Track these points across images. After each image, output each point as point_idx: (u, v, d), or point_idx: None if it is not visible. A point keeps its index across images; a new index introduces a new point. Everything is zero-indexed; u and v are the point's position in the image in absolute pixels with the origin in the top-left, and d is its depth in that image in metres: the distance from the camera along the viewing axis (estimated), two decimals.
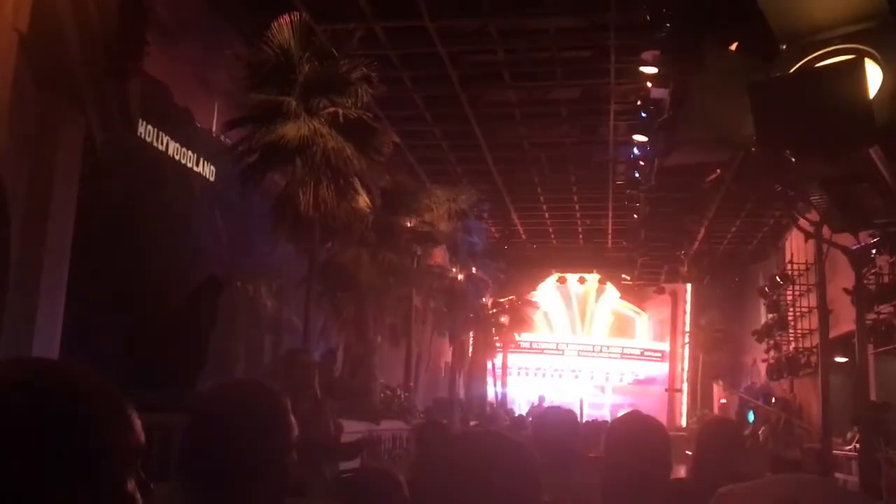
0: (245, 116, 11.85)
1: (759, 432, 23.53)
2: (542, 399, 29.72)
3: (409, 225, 14.73)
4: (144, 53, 9.03)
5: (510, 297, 32.63)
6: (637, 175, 22.06)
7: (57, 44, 7.98)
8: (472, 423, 19.28)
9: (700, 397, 33.99)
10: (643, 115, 17.85)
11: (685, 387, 36.28)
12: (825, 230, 10.39)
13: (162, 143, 14.68)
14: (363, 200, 12.37)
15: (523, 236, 33.82)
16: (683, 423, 34.93)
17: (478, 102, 21.53)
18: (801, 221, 11.63)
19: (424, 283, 18.08)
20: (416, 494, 2.97)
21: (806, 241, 15.44)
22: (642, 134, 18.85)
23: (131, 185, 13.71)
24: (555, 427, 3.84)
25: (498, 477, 1.79)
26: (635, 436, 2.75)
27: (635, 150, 20.76)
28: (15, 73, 7.59)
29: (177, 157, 15.13)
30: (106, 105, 9.18)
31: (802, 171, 4.28)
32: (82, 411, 1.03)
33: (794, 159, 4.02)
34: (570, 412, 4.55)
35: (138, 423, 1.10)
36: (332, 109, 11.47)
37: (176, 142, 15.07)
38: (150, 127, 14.28)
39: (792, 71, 3.95)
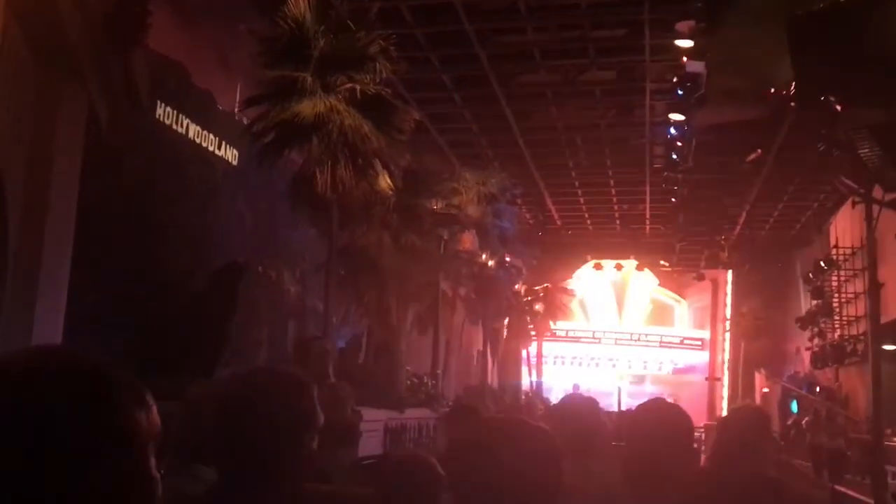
0: (261, 94, 11.41)
1: (803, 422, 22.77)
2: (576, 388, 29.10)
3: (435, 208, 14.20)
4: (148, 25, 8.64)
5: (545, 285, 31.98)
6: (674, 156, 21.36)
7: (53, 15, 7.62)
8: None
9: (741, 387, 33.18)
10: (679, 92, 17.16)
11: (726, 376, 35.43)
12: (876, 192, 9.50)
13: (181, 126, 14.35)
14: (384, 181, 11.90)
15: (558, 222, 33.13)
16: (724, 412, 34.08)
17: (508, 83, 20.93)
18: (846, 183, 10.74)
19: (452, 268, 17.56)
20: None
21: (853, 206, 14.36)
22: (679, 112, 18.14)
23: (149, 168, 13.40)
24: (574, 414, 3.72)
25: (520, 461, 1.79)
26: (657, 423, 2.72)
27: (672, 131, 20.04)
28: (6, 45, 7.23)
29: (197, 140, 14.80)
30: (109, 80, 8.81)
31: (849, 119, 3.69)
32: (105, 395, 1.06)
33: (838, 106, 3.44)
34: (591, 399, 4.42)
35: (155, 408, 1.12)
36: (349, 86, 10.99)
37: (196, 124, 14.73)
38: (168, 109, 13.95)
39: (837, 1, 3.36)
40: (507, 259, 28.30)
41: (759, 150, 18.86)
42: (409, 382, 14.79)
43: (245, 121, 15.36)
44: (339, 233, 12.44)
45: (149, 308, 12.79)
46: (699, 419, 24.15)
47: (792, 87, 3.46)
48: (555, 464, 1.87)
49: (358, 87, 10.93)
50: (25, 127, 7.91)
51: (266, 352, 13.74)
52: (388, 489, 2.84)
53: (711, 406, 35.01)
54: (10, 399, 1.01)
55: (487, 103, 21.78)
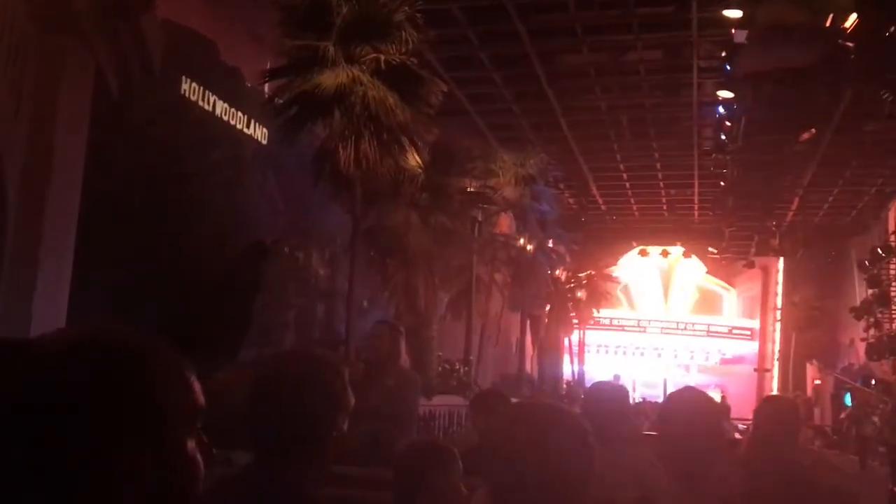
0: (282, 66, 10.93)
1: (847, 415, 21.88)
2: (616, 378, 28.40)
3: (469, 189, 13.57)
4: None
5: (589, 272, 31.16)
6: (723, 137, 20.46)
7: None
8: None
9: (792, 378, 32.15)
10: (728, 67, 16.33)
11: (776, 367, 34.34)
12: None
13: (208, 103, 13.98)
14: (411, 157, 11.36)
15: (603, 207, 32.27)
16: None
17: (550, 62, 20.21)
18: None
19: (487, 252, 16.96)
20: (472, 462, 3.01)
21: None
22: (728, 90, 17.29)
23: (174, 145, 13.06)
24: (602, 401, 3.81)
25: (552, 445, 1.79)
26: (686, 411, 2.72)
27: (721, 110, 19.18)
28: (6, 12, 6.84)
29: (225, 118, 14.42)
30: (119, 48, 8.39)
31: None
32: (144, 370, 1.04)
33: None
34: (621, 388, 4.70)
35: (197, 385, 1.09)
36: (373, 56, 10.43)
37: (224, 101, 14.35)
38: (194, 84, 13.59)
39: None
40: (551, 244, 27.67)
41: (814, 129, 17.92)
42: (440, 369, 14.27)
43: (278, 100, 14.97)
44: (366, 212, 11.95)
45: (172, 288, 12.48)
46: (748, 411, 23.20)
47: (851, 20, 2.86)
48: (587, 449, 1.84)
49: (382, 57, 10.37)
50: (26, 98, 7.52)
51: (293, 334, 13.33)
52: (400, 470, 2.99)
53: (760, 398, 33.85)
54: (44, 374, 1.00)
55: (528, 83, 21.09)
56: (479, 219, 14.79)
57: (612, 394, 4.03)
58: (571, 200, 32.03)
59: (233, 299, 12.27)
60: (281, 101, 10.98)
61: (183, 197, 12.89)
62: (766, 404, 3.98)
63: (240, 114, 14.58)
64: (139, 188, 12.14)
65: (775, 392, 33.75)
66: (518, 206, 18.55)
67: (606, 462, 2.04)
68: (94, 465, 0.97)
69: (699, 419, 2.65)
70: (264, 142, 15.33)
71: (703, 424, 2.65)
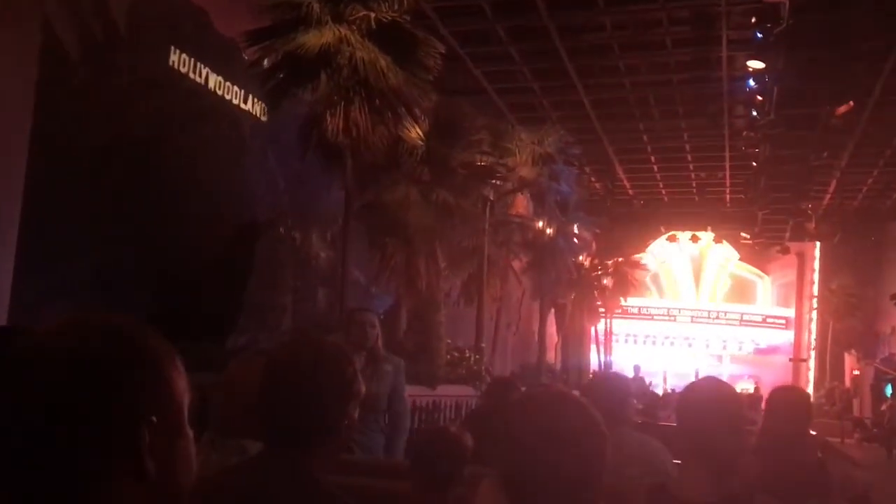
0: (264, 28, 10.08)
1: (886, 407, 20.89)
2: (637, 369, 27.35)
3: (482, 163, 12.58)
4: None
5: (617, 259, 30.03)
6: (755, 113, 19.34)
7: None
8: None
9: (829, 369, 30.96)
10: (759, 35, 15.24)
11: (812, 357, 33.07)
12: None
13: (200, 76, 13.17)
14: (408, 126, 10.49)
15: (630, 191, 31.16)
16: (810, 396, 31.76)
17: (570, 36, 19.18)
18: None
19: (500, 233, 16.02)
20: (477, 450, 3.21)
21: None
22: (759, 59, 16.19)
23: (161, 121, 12.28)
24: (605, 389, 3.90)
25: (565, 433, 1.78)
26: (704, 401, 2.68)
27: (751, 83, 18.06)
28: None
29: (219, 92, 13.61)
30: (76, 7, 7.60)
31: None
32: (144, 353, 1.05)
33: None
34: (622, 376, 5.29)
35: (184, 374, 1.10)
36: (363, 14, 9.55)
37: (218, 75, 13.54)
38: (184, 56, 12.78)
39: None
40: (575, 229, 26.63)
41: (851, 102, 16.73)
42: (448, 357, 13.41)
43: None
44: (363, 188, 11.11)
45: (160, 270, 11.75)
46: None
47: None
48: (600, 436, 1.82)
49: (373, 15, 9.48)
50: None
51: (290, 320, 12.53)
52: (415, 459, 3.13)
53: None
54: (38, 368, 1.00)
55: (548, 59, 20.10)
56: (491, 197, 13.87)
57: (612, 381, 4.24)
58: (598, 185, 31.00)
59: (222, 282, 11.48)
60: (264, 66, 10.12)
61: (171, 174, 12.11)
62: (777, 394, 3.89)
63: (236, 88, 13.75)
64: (121, 164, 11.38)
65: (811, 383, 32.59)
66: (535, 187, 17.55)
67: (611, 445, 1.96)
68: (90, 455, 0.97)
69: (716, 408, 2.61)
70: (264, 118, 14.51)
71: (720, 413, 2.60)
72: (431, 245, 11.59)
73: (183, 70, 12.76)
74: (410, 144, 11.23)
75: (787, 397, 3.85)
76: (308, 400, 1.89)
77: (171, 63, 12.51)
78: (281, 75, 9.80)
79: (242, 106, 14.08)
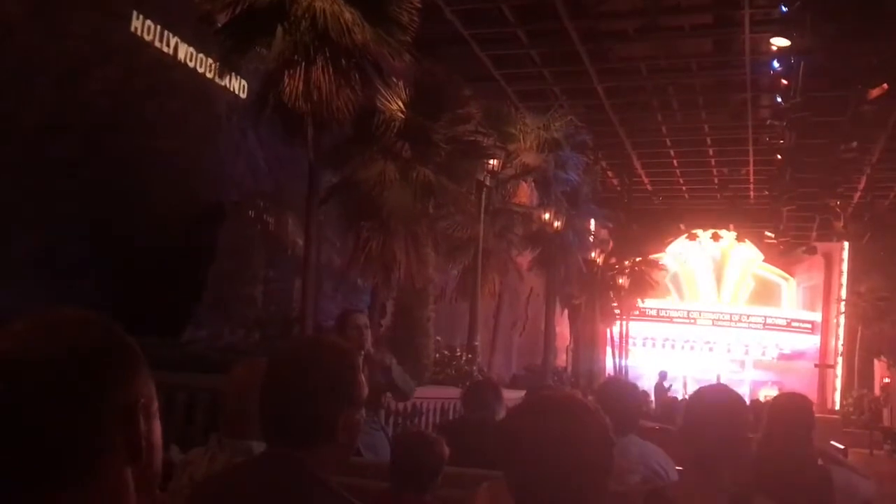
0: None
1: None
2: (663, 376, 26.05)
3: (468, 138, 11.28)
4: None
5: (636, 259, 28.61)
6: (779, 100, 17.99)
7: None
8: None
9: (858, 376, 29.43)
10: (783, 8, 13.95)
11: (840, 363, 31.52)
12: None
13: (168, 45, 12.10)
14: (384, 93, 9.33)
15: (649, 187, 29.81)
16: (837, 404, 30.26)
17: (582, 17, 17.94)
18: None
19: (498, 222, 14.78)
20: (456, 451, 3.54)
21: None
22: (783, 37, 14.88)
23: (121, 93, 11.22)
24: (612, 395, 3.91)
25: (574, 437, 1.79)
26: (709, 408, 2.71)
27: (776, 64, 16.73)
28: None
29: (191, 64, 12.54)
30: None
31: None
32: (130, 345, 1.12)
33: None
34: (630, 383, 5.38)
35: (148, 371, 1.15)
36: None
37: (189, 46, 12.47)
38: (149, 23, 11.72)
39: None
40: (593, 226, 25.34)
41: (885, 85, 15.34)
42: (437, 356, 12.24)
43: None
44: (337, 163, 9.97)
45: (118, 257, 10.68)
46: None
47: None
48: (607, 441, 1.84)
49: None
50: None
51: (261, 311, 11.39)
52: (393, 461, 3.34)
53: (822, 396, 31.20)
54: (25, 367, 1.04)
55: (558, 41, 18.89)
56: (487, 182, 12.66)
57: (623, 388, 4.28)
58: (615, 181, 29.71)
59: (181, 271, 10.38)
60: (216, 22, 8.99)
61: (131, 151, 11.04)
62: (779, 401, 3.98)
63: (210, 61, 12.66)
64: (73, 138, 10.34)
65: (839, 391, 31.09)
66: (539, 173, 16.27)
67: (616, 451, 1.95)
68: (93, 437, 1.03)
69: (718, 417, 2.64)
70: (243, 95, 13.43)
71: (722, 422, 2.63)
72: (411, 229, 10.40)
73: (147, 38, 11.69)
74: (388, 115, 10.07)
75: (789, 404, 3.84)
76: (303, 399, 1.90)
77: (133, 29, 11.45)
78: (233, 31, 8.63)
79: (218, 80, 12.99)
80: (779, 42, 14.76)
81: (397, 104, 10.14)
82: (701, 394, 2.87)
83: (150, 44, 11.76)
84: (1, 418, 1.00)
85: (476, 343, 12.77)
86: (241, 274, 11.47)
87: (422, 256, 10.64)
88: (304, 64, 8.29)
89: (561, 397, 2.10)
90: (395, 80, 10.10)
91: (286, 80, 8.26)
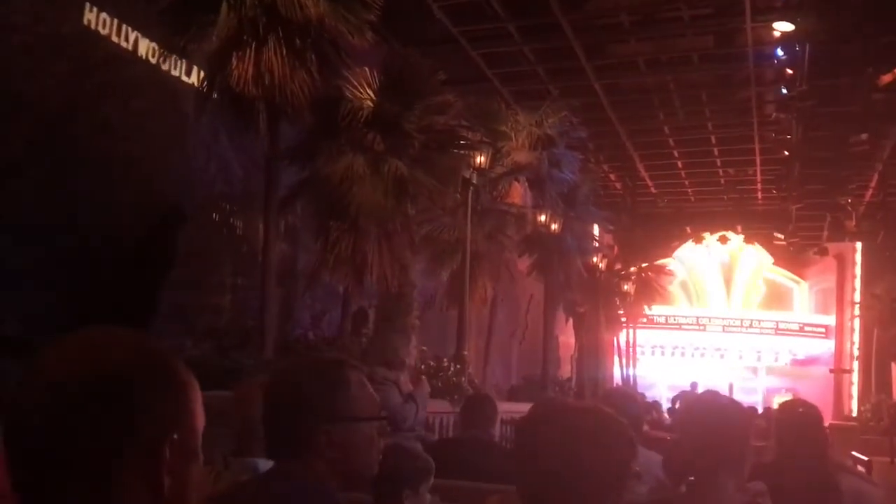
0: None
1: None
2: (693, 386, 25.15)
3: (464, 134, 10.38)
4: None
5: (642, 265, 27.68)
6: (785, 91, 17.14)
7: None
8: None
9: (875, 381, 28.40)
10: None
11: (856, 369, 30.47)
12: None
13: (126, 40, 11.34)
14: (350, 79, 8.51)
15: (652, 189, 28.91)
16: (854, 411, 29.20)
17: (575, 10, 17.15)
18: None
19: (487, 223, 13.90)
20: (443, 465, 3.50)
21: None
22: (788, 20, 14.04)
23: (72, 91, 10.45)
24: (618, 406, 3.43)
25: (597, 448, 1.78)
26: (704, 416, 2.72)
27: (780, 52, 15.89)
28: None
29: (153, 61, 11.77)
30: None
31: None
32: (173, 375, 1.09)
33: None
34: (633, 393, 6.20)
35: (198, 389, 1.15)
36: None
37: (151, 40, 11.70)
38: (104, 16, 10.96)
39: None
40: (597, 230, 24.50)
41: None
42: (422, 366, 11.37)
43: None
44: (304, 157, 9.16)
45: (70, 267, 9.90)
46: (824, 417, 19.92)
47: None
48: (628, 448, 1.84)
49: None
50: None
51: (229, 322, 10.57)
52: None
53: (838, 403, 30.17)
54: (52, 390, 1.02)
55: (550, 36, 18.09)
56: (474, 180, 11.81)
57: (622, 398, 4.36)
58: (618, 185, 28.84)
59: (137, 278, 9.58)
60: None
61: (85, 151, 10.26)
62: (786, 410, 3.87)
63: (174, 57, 11.87)
64: (16, 139, 9.57)
65: (855, 397, 30.04)
66: (531, 171, 15.39)
67: None
68: (113, 468, 1.01)
69: (716, 425, 2.62)
70: (215, 94, 12.63)
71: (722, 431, 2.61)
72: (385, 228, 9.56)
73: (103, 31, 10.92)
74: (355, 104, 9.26)
75: (795, 412, 3.78)
76: (281, 414, 1.95)
77: (86, 22, 10.69)
78: (175, 12, 7.83)
79: (185, 79, 12.23)
80: (782, 27, 13.90)
81: (365, 91, 9.34)
82: (689, 403, 3.06)
83: (106, 38, 11.00)
84: (23, 435, 1.01)
85: (465, 353, 11.91)
86: (206, 282, 10.66)
87: (399, 259, 9.81)
88: (254, 44, 7.51)
89: (582, 407, 2.05)
90: (362, 66, 9.29)
91: (234, 63, 7.47)
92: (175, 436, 1.03)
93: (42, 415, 1.00)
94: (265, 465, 2.21)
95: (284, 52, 7.54)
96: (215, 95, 8.49)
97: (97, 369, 1.02)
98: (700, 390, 24.59)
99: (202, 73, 12.40)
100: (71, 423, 0.99)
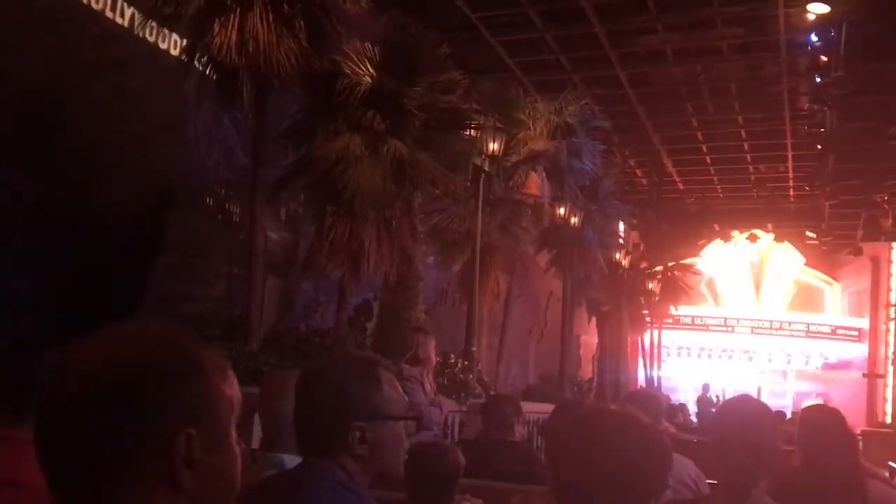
0: None
1: None
2: (706, 388, 24.41)
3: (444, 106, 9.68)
4: None
5: (670, 264, 26.82)
6: (818, 79, 16.32)
7: None
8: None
9: None
10: None
11: (890, 373, 29.41)
12: None
13: (122, 16, 10.84)
14: (342, 50, 7.92)
15: (680, 186, 28.08)
16: (889, 417, 28.16)
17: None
18: None
19: (499, 213, 13.23)
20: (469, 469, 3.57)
21: None
22: (823, 1, 13.25)
23: (66, 69, 9.97)
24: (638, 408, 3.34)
25: (635, 453, 1.80)
26: (733, 419, 2.76)
27: (813, 38, 15.08)
28: None
29: (151, 39, 11.25)
30: None
31: None
32: (189, 365, 1.09)
33: None
34: (654, 394, 5.77)
35: (234, 377, 1.15)
36: None
37: (148, 18, 11.17)
38: None
39: None
40: (622, 228, 23.78)
41: None
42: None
43: None
44: (292, 138, 8.61)
45: (61, 255, 9.43)
46: (857, 423, 19.06)
47: None
48: (664, 454, 1.89)
49: None
50: None
51: (216, 311, 9.99)
52: (409, 472, 3.18)
53: (872, 408, 29.14)
54: (105, 370, 1.04)
55: (574, 23, 17.40)
56: (485, 167, 11.16)
57: (643, 400, 4.10)
58: (644, 181, 28.04)
59: (126, 267, 9.06)
60: None
61: (79, 139, 9.78)
62: (809, 417, 3.83)
63: (175, 36, 11.36)
64: (5, 118, 9.10)
65: (889, 402, 29.00)
66: (548, 160, 14.69)
67: None
68: (125, 464, 1.02)
69: (744, 428, 2.64)
70: (197, 65, 12.09)
71: (750, 434, 2.62)
72: (383, 214, 8.95)
73: (96, 7, 10.43)
74: (352, 80, 8.66)
75: (818, 416, 3.78)
76: (314, 411, 1.98)
77: None
78: None
79: (185, 58, 11.69)
80: (816, 8, 13.12)
81: (363, 66, 8.74)
82: (726, 406, 3.04)
83: (99, 14, 10.50)
84: (58, 421, 1.03)
85: (473, 349, 11.29)
86: (199, 270, 10.12)
87: (400, 247, 9.21)
88: (238, 9, 6.94)
89: (617, 412, 2.04)
90: (361, 39, 8.68)
91: (216, 29, 6.91)
92: (192, 429, 1.03)
93: (69, 410, 1.02)
94: (291, 460, 2.26)
95: (271, 17, 6.99)
96: (197, 66, 7.91)
97: (103, 369, 1.04)
98: (710, 393, 23.92)
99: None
100: (90, 419, 1.01)
